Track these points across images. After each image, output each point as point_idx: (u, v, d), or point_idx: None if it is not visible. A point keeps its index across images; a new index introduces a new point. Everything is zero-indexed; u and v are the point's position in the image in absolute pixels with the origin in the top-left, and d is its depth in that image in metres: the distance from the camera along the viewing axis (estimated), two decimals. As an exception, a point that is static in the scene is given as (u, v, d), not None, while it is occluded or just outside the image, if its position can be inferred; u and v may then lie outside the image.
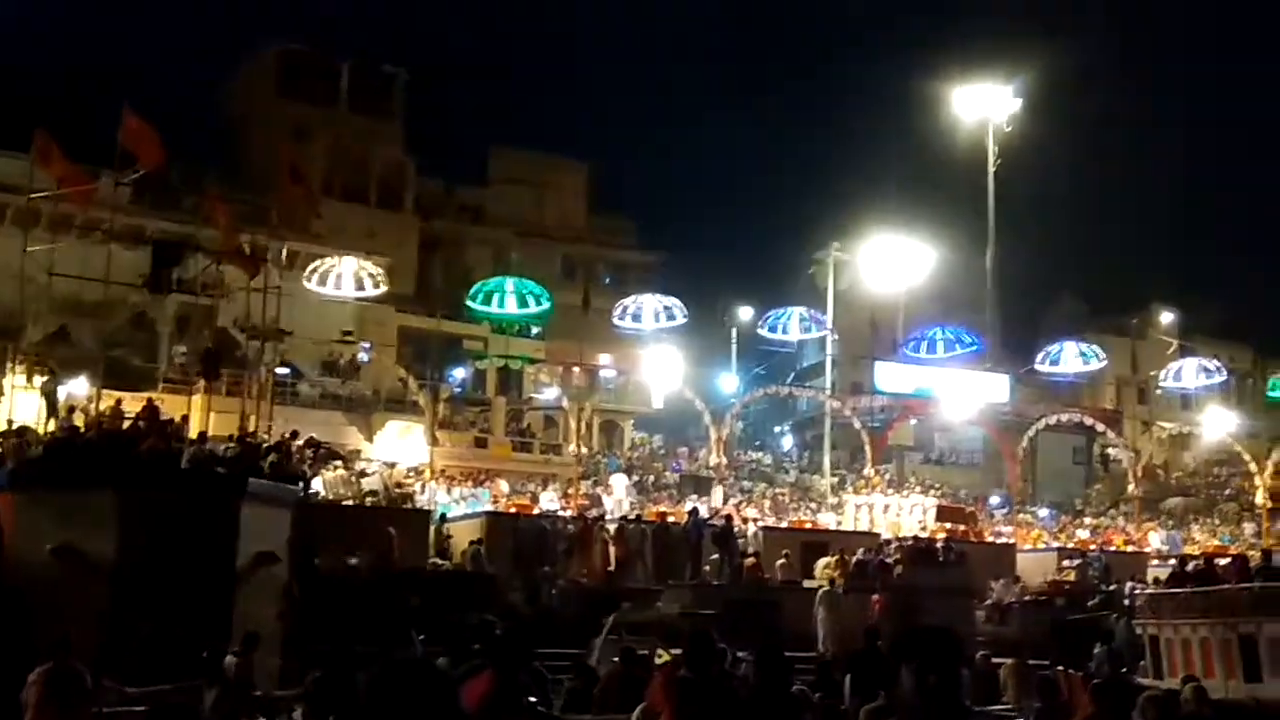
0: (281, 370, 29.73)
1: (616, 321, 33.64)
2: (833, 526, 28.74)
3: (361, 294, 30.42)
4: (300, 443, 22.51)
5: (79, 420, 19.69)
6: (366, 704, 4.02)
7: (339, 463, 25.22)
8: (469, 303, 32.94)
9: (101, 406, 20.42)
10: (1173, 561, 25.81)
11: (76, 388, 24.15)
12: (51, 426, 20.24)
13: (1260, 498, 34.70)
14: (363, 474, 25.08)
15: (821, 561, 22.67)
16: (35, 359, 26.50)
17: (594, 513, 24.78)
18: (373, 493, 23.77)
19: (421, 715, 3.76)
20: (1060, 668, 17.78)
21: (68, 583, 14.67)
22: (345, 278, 29.66)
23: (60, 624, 11.13)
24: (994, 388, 37.86)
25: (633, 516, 25.37)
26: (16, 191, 25.65)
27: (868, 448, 31.42)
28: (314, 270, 29.28)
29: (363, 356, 33.90)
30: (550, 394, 36.35)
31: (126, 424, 18.94)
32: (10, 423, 20.82)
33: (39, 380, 24.30)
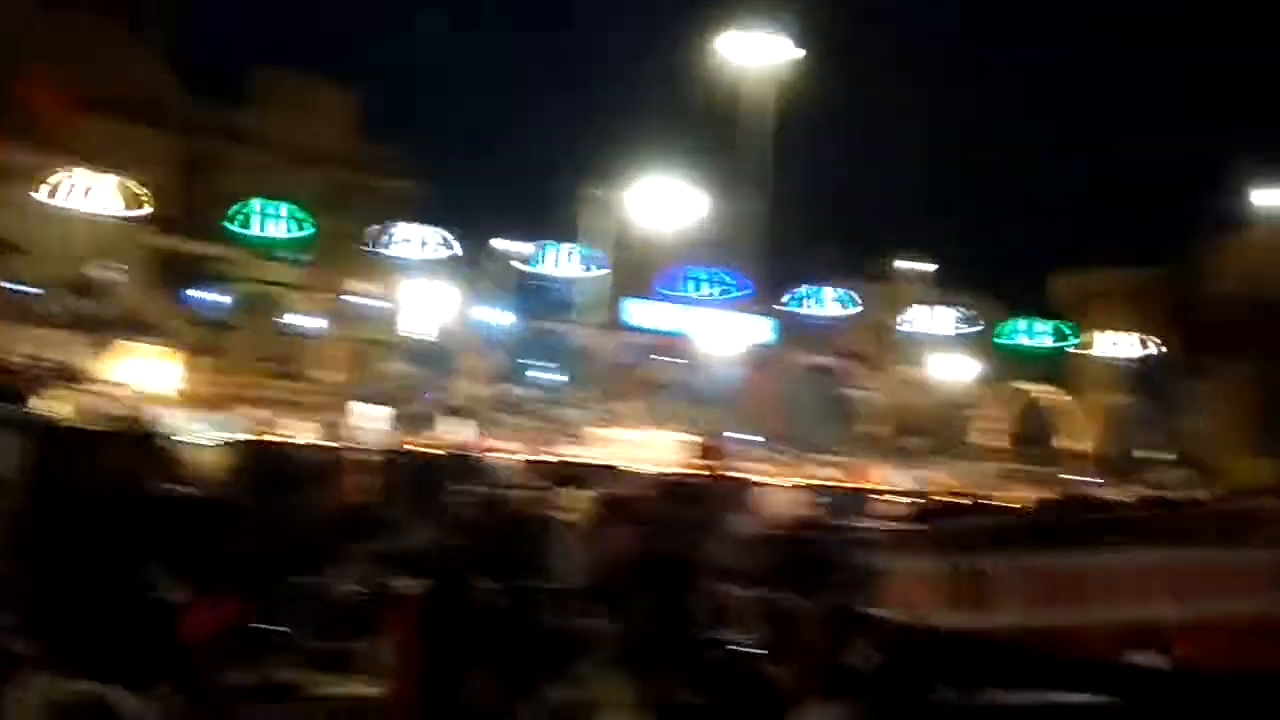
0: (17, 288, 28.23)
1: (381, 250, 33.07)
2: (589, 460, 29.05)
3: (116, 213, 29.08)
4: (31, 361, 21.47)
5: None
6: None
7: (79, 385, 24.16)
8: (227, 225, 31.84)
9: None
10: (911, 499, 27.10)
11: None
12: None
13: (986, 439, 36.74)
14: (105, 397, 24.10)
15: (576, 494, 22.86)
16: None
17: (348, 442, 24.41)
18: (116, 417, 22.83)
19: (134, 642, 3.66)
20: (798, 599, 18.49)
21: None
22: (100, 195, 28.28)
23: None
24: (752, 328, 38.84)
25: (388, 447, 25.07)
26: None
27: (627, 384, 31.83)
28: (59, 185, 27.82)
29: (111, 277, 32.42)
30: (310, 322, 35.53)
31: None
32: None
33: None
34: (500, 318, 40.37)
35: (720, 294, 40.18)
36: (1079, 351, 48.53)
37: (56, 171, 28.56)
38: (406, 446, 25.32)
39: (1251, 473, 31.60)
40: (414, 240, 33.41)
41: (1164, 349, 50.32)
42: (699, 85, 42.74)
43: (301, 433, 26.18)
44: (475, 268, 41.60)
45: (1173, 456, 48.30)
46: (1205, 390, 54.11)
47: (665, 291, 40.03)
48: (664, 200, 39.29)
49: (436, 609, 7.83)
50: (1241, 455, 43.98)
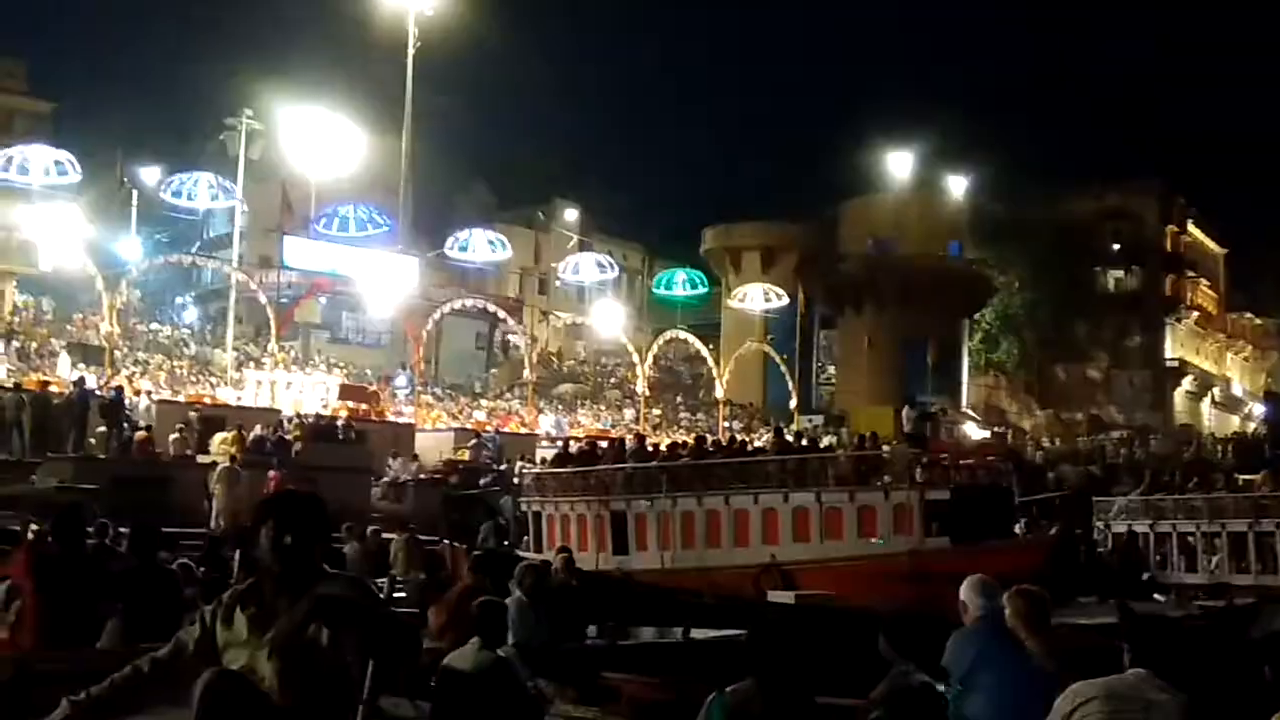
0: None
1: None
2: (233, 402, 28.00)
3: None
4: None
5: None
6: None
7: None
8: None
9: None
10: (559, 443, 27.50)
11: None
12: None
13: (640, 386, 37.68)
14: None
15: (218, 436, 22.04)
16: None
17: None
18: None
19: None
20: (447, 542, 18.49)
21: None
22: None
23: None
24: (403, 270, 38.27)
25: (10, 385, 23.31)
26: None
27: (273, 323, 30.76)
28: None
29: None
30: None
31: None
32: None
33: None
34: (138, 249, 38.09)
35: (373, 231, 39.37)
36: (730, 303, 50.40)
37: None
38: (36, 385, 23.54)
39: (880, 420, 33.74)
40: (36, 163, 30.91)
41: (801, 301, 52.91)
42: (352, 15, 41.62)
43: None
44: (107, 195, 39.25)
45: (813, 404, 51.09)
46: (837, 342, 57.54)
47: (320, 230, 38.89)
48: (315, 134, 37.96)
49: (53, 554, 7.29)
50: (867, 403, 46.98)
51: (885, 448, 20.92)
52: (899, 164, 55.98)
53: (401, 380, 37.19)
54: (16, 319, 33.66)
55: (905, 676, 5.01)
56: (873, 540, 18.24)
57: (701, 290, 48.32)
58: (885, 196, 55.99)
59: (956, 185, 56.64)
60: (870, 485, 18.85)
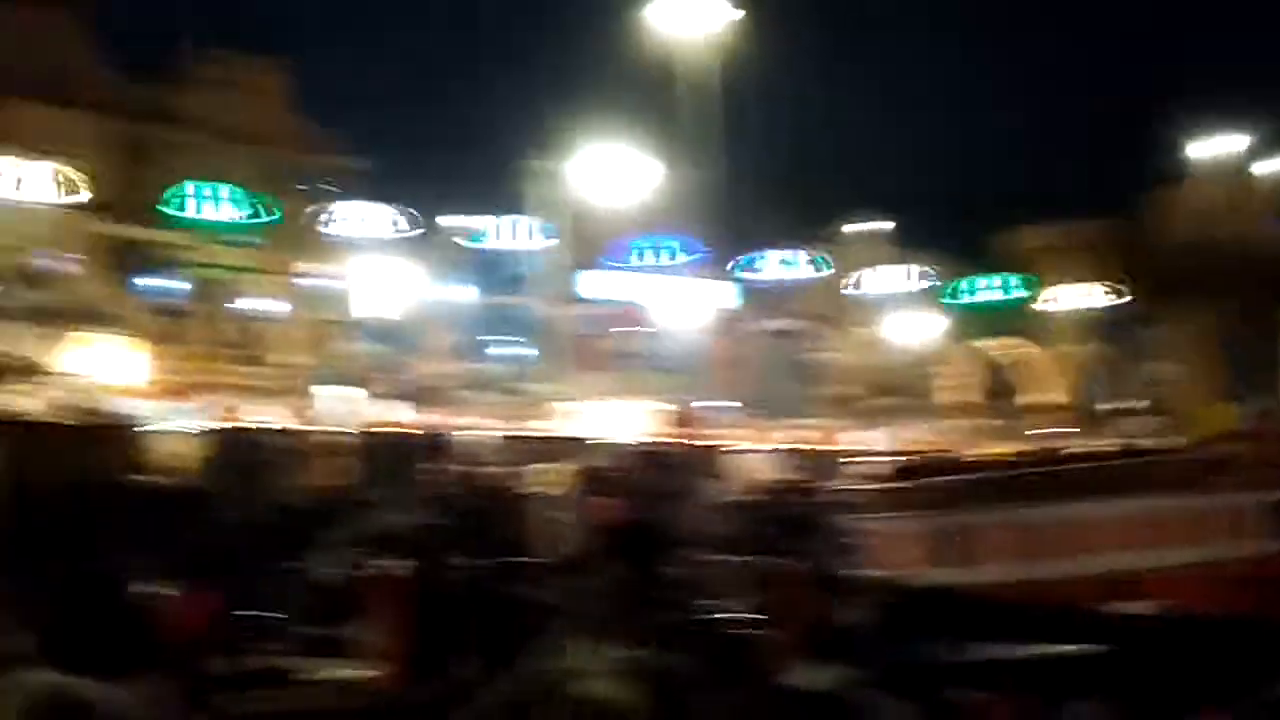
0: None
1: (325, 230, 32.73)
2: (561, 433, 28.89)
3: (53, 200, 28.59)
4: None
5: None
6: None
7: (40, 378, 23.78)
8: (163, 209, 31.40)
9: None
10: (884, 458, 27.12)
11: None
12: None
13: (953, 395, 36.90)
14: (69, 390, 23.69)
15: (551, 467, 22.76)
16: None
17: (315, 424, 24.16)
18: (84, 410, 22.45)
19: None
20: (780, 563, 18.45)
21: None
22: (35, 182, 27.79)
23: None
24: (713, 294, 38.74)
25: (358, 428, 24.83)
26: None
27: (591, 356, 31.68)
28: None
29: (60, 267, 31.85)
30: (265, 305, 35.09)
31: None
32: None
33: None
34: (456, 294, 40.00)
35: (671, 261, 40.04)
36: (1040, 306, 48.74)
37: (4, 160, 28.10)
38: (376, 427, 25.06)
39: (1218, 419, 31.83)
40: (361, 218, 33.07)
41: (1122, 298, 50.66)
42: (640, 50, 42.36)
43: (268, 417, 25.84)
44: (424, 243, 41.24)
45: (1141, 405, 48.74)
46: (1168, 338, 54.69)
47: (614, 263, 39.87)
48: (612, 169, 38.95)
49: (420, 589, 7.68)
50: (1208, 402, 44.39)
51: (1229, 448, 19.75)
52: (1217, 147, 52.88)
53: (717, 403, 37.53)
54: (356, 365, 35.78)
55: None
56: (1218, 545, 17.25)
57: (1007, 294, 46.93)
58: (1199, 185, 52.96)
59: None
60: (1213, 487, 17.83)
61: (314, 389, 30.49)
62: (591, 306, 37.58)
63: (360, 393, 30.66)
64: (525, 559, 17.65)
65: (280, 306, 33.36)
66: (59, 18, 38.07)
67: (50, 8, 37.97)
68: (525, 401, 35.20)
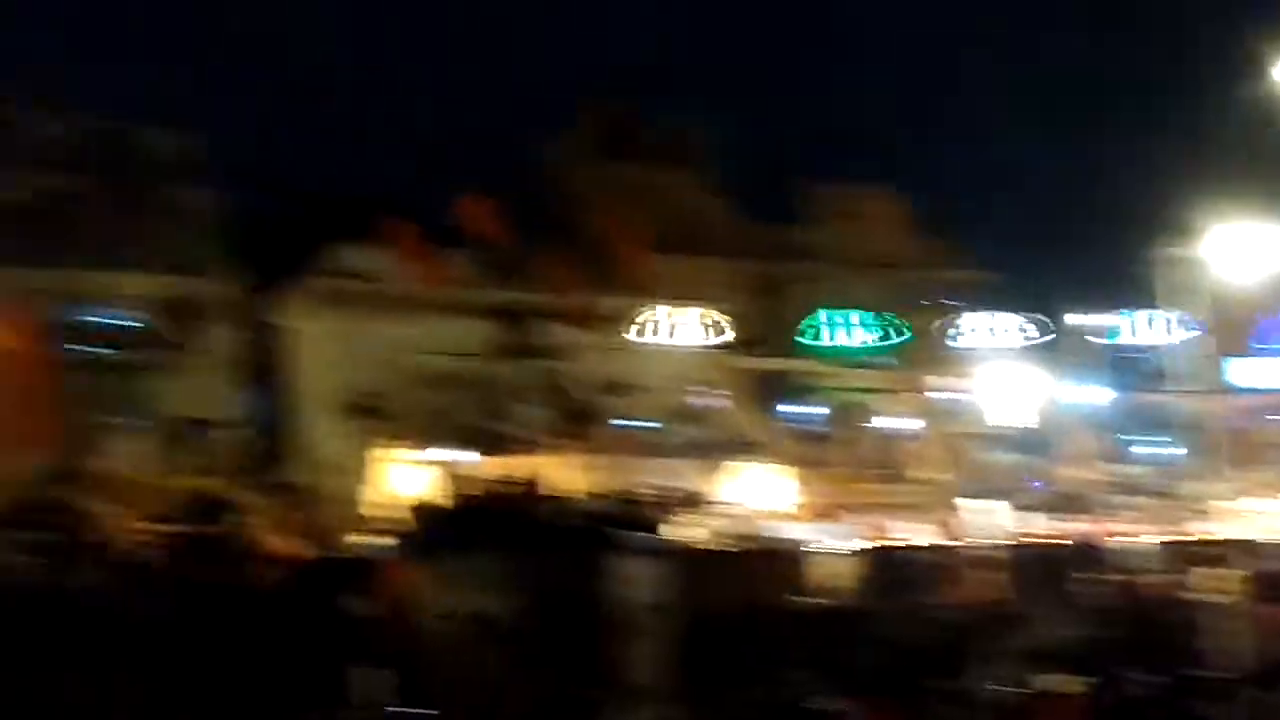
0: (632, 423, 30.67)
1: (955, 344, 33.05)
2: (1222, 535, 27.03)
3: (701, 343, 31.06)
4: (657, 490, 23.09)
5: (466, 488, 20.77)
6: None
7: (701, 508, 25.70)
8: (802, 339, 33.04)
9: (479, 474, 21.52)
10: None
11: (443, 456, 25.71)
12: (432, 496, 21.48)
13: None
14: (727, 517, 25.43)
15: (1217, 573, 21.32)
16: (406, 433, 28.32)
17: (961, 539, 24.23)
18: (744, 535, 24.01)
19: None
20: None
21: (466, 647, 15.28)
22: (685, 327, 30.34)
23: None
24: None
25: (1000, 540, 24.63)
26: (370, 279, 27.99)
27: (1245, 450, 29.52)
28: (645, 323, 30.23)
29: (711, 403, 34.44)
30: (896, 422, 35.84)
31: (505, 489, 19.86)
32: (401, 496, 22.21)
33: (410, 453, 25.95)
34: (1091, 395, 38.82)
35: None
36: None
37: (642, 311, 31.12)
38: (1024, 538, 24.77)
39: None
40: (989, 329, 33.16)
41: None
42: (1267, 114, 39.39)
43: (916, 534, 26.27)
44: (1053, 345, 40.39)
45: None
46: None
47: (1263, 346, 37.01)
48: (1251, 247, 36.28)
49: (1095, 704, 7.51)
50: None
51: None
52: None
53: None
54: (994, 476, 35.52)
55: None
56: None
57: None
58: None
59: None
60: None
61: (957, 502, 30.61)
62: (1241, 396, 35.05)
63: (1003, 504, 30.36)
64: (1204, 673, 16.61)
65: (914, 423, 33.90)
66: (688, 176, 41.68)
67: (680, 170, 41.71)
68: (1178, 503, 33.30)
